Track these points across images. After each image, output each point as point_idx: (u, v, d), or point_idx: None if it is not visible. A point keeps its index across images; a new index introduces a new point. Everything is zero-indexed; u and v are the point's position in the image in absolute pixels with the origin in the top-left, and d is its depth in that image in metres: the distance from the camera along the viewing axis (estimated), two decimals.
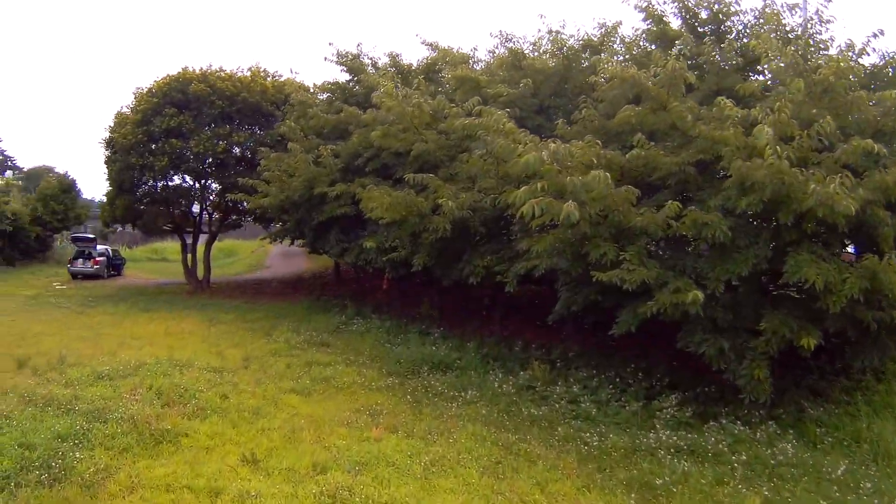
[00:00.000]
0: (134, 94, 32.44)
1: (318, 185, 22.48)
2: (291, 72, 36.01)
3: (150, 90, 31.80)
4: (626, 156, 13.11)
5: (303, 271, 44.12)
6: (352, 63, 27.07)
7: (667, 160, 13.30)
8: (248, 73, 32.47)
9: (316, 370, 16.93)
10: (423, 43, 30.44)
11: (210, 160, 30.97)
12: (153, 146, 30.53)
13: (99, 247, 44.05)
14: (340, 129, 24.23)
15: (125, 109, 32.88)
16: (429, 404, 14.33)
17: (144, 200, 33.13)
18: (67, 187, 49.25)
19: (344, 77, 27.96)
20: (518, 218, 12.48)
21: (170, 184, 32.59)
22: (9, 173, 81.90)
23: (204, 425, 12.37)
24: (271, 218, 29.75)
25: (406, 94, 18.44)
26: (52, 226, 48.06)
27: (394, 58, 26.51)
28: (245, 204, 28.59)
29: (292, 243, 32.21)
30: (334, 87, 27.78)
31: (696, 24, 17.73)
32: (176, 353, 18.33)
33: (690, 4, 17.69)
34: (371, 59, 27.73)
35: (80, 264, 41.61)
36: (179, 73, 31.53)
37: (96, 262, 41.67)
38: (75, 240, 44.23)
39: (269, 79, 32.71)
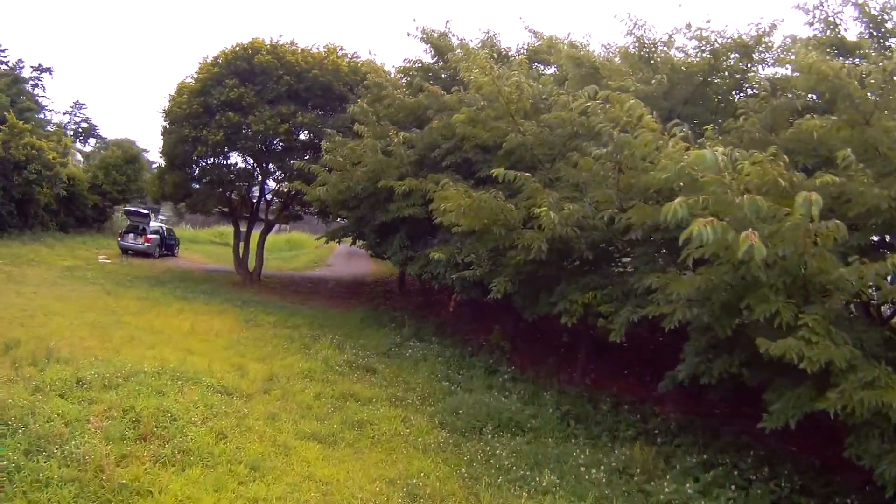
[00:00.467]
0: (199, 63, 29.47)
1: (384, 178, 18.79)
2: (370, 54, 31.59)
3: (214, 59, 28.78)
4: (817, 182, 8.93)
5: (365, 274, 40.88)
6: (438, 41, 23.38)
7: (875, 193, 9.13)
8: (323, 50, 29.11)
9: (351, 408, 13.21)
10: (526, 29, 26.38)
11: (271, 141, 27.66)
12: (210, 119, 27.42)
13: (153, 223, 41.47)
14: (418, 115, 20.53)
15: (189, 80, 29.95)
16: (490, 486, 10.34)
17: (196, 178, 30.06)
18: (132, 158, 47.21)
19: (428, 58, 24.31)
20: (654, 240, 8.52)
21: (223, 162, 29.45)
22: (92, 141, 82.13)
23: (177, 481, 8.72)
24: (331, 212, 26.32)
25: (502, 73, 14.55)
26: (112, 196, 46.20)
27: (489, 39, 22.69)
28: (305, 194, 24.96)
29: (354, 243, 28.66)
30: (415, 69, 24.04)
31: (880, 34, 14.27)
32: (188, 361, 15.10)
33: (874, 12, 14.13)
34: (460, 39, 24.01)
35: (130, 239, 39.34)
36: (249, 43, 28.36)
37: (147, 240, 39.18)
38: (129, 213, 41.85)
39: (345, 59, 29.27)
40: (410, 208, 18.61)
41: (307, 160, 26.03)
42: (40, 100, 71.11)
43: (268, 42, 28.53)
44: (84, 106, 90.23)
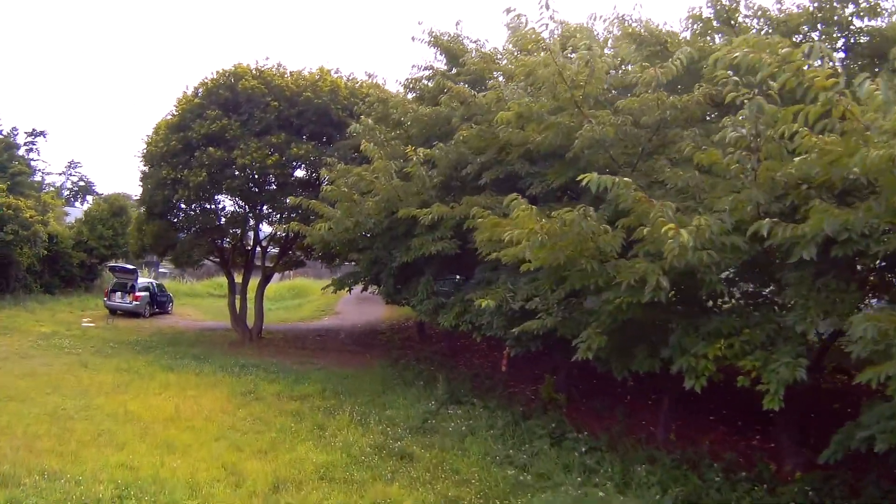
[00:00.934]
0: (178, 97, 25.85)
1: (403, 207, 15.01)
2: (368, 76, 27.40)
3: (194, 90, 25.21)
4: None
5: (378, 320, 36.93)
6: (450, 45, 19.70)
7: None
8: (315, 72, 25.44)
9: None
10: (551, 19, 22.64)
11: (260, 177, 23.96)
12: (190, 157, 23.72)
13: (142, 279, 37.67)
14: (438, 128, 16.71)
15: (170, 116, 26.35)
16: None
17: (180, 226, 26.28)
18: (119, 210, 43.73)
19: (440, 65, 20.60)
20: None
21: (209, 207, 25.71)
22: (89, 199, 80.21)
23: None
24: (338, 255, 22.55)
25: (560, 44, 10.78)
26: (99, 252, 42.91)
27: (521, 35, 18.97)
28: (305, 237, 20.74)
29: (366, 289, 24.74)
30: (426, 78, 20.24)
31: None
32: (166, 467, 11.49)
33: None
34: (474, 41, 20.38)
35: (117, 298, 35.68)
36: (231, 69, 24.76)
37: (136, 298, 35.41)
38: (114, 270, 38.12)
39: (341, 80, 25.62)
40: (439, 243, 14.81)
41: (304, 196, 22.43)
42: (35, 163, 71.29)
43: (253, 67, 24.95)
44: (79, 165, 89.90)
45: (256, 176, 23.90)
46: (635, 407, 16.20)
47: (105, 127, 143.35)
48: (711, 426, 14.69)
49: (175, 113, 25.03)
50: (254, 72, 24.57)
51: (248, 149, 22.49)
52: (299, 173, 25.79)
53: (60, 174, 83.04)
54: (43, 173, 74.43)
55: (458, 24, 22.16)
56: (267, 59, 26.44)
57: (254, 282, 29.68)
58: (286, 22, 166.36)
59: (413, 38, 20.25)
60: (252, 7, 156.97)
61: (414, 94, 21.33)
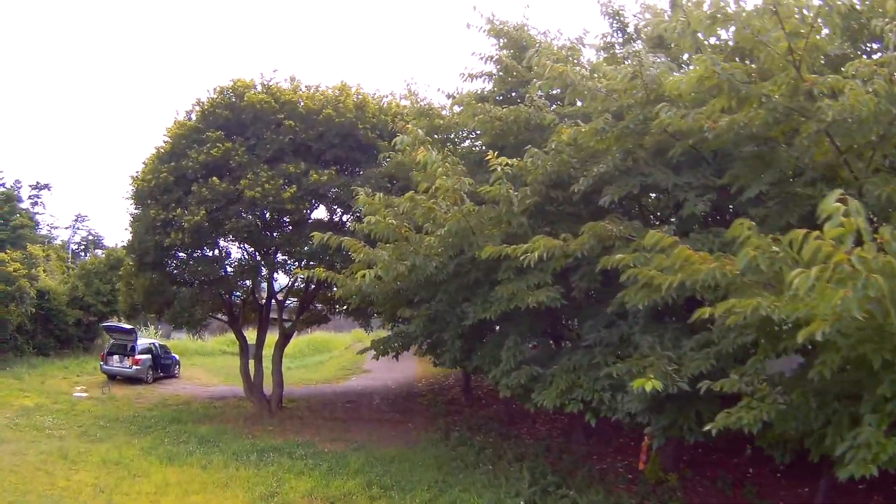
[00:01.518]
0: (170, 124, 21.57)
1: (478, 241, 10.55)
2: (396, 96, 21.92)
3: (187, 112, 21.02)
4: None
5: (414, 378, 32.48)
6: (515, 34, 15.31)
7: None
8: (334, 91, 21.01)
9: None
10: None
11: (273, 215, 19.68)
12: (185, 192, 19.44)
13: (142, 340, 33.13)
14: (515, 136, 12.28)
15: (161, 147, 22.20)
16: None
17: (176, 278, 21.76)
18: (116, 263, 39.29)
19: (504, 54, 16.03)
20: None
21: (210, 254, 21.28)
22: (99, 252, 77.58)
23: None
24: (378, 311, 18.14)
25: None
26: (97, 310, 38.43)
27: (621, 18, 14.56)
28: (335, 286, 15.33)
29: (427, 352, 19.61)
30: (486, 74, 15.58)
31: None
32: None
33: None
34: (542, 32, 15.93)
35: (115, 362, 31.08)
36: (232, 83, 20.49)
37: (136, 362, 30.81)
38: (109, 330, 33.60)
39: (367, 96, 21.23)
40: (539, 292, 10.23)
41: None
42: (41, 217, 69.05)
43: (258, 82, 20.64)
44: (87, 218, 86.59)
45: (268, 214, 19.42)
46: (762, 480, 13.55)
47: (111, 179, 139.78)
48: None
49: (166, 141, 20.71)
50: (259, 86, 20.30)
51: (257, 179, 18.04)
52: (318, 213, 21.55)
53: (67, 228, 78.65)
54: (50, 227, 71.85)
55: (526, 7, 17.46)
56: (275, 71, 21.66)
57: (269, 338, 25.21)
58: (288, 41, 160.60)
59: (468, 26, 15.75)
60: (256, 25, 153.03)
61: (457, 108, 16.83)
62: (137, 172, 21.69)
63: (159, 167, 19.62)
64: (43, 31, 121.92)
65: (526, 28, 15.56)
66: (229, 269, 21.39)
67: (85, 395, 26.84)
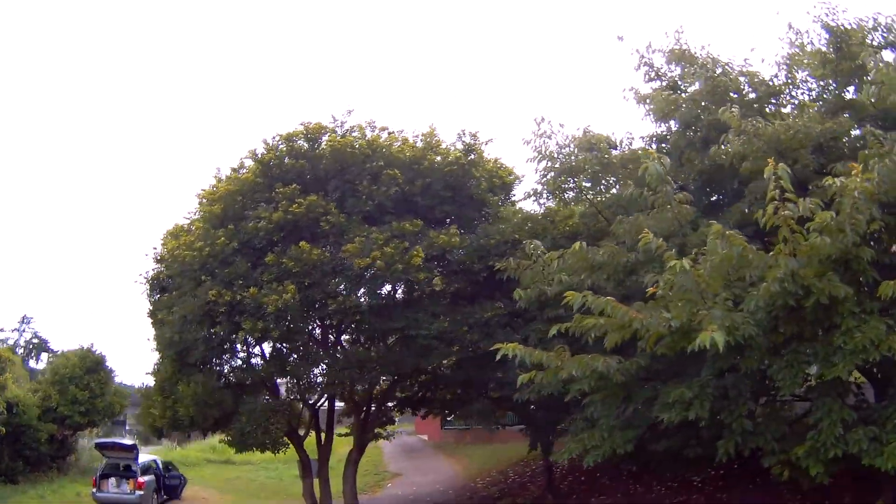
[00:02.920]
0: (215, 178, 17.09)
1: None
2: (536, 123, 16.11)
3: (240, 161, 16.64)
4: None
5: (460, 478, 27.71)
6: (683, 57, 11.74)
7: None
8: (417, 141, 16.79)
9: None
10: None
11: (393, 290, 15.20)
12: (254, 264, 14.88)
13: (142, 458, 27.38)
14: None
15: (185, 220, 17.76)
16: None
17: (233, 385, 16.68)
18: (94, 365, 33.92)
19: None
20: None
21: (286, 347, 16.26)
22: (44, 357, 72.82)
23: None
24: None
25: None
26: (73, 421, 32.35)
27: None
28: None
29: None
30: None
31: None
32: None
33: None
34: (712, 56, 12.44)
35: (111, 488, 25.37)
36: (304, 127, 16.21)
37: (140, 486, 25.17)
38: (102, 448, 27.70)
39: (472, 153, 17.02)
40: None
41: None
42: None
43: (329, 125, 16.37)
44: (31, 320, 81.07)
45: (387, 287, 14.84)
46: None
47: (56, 282, 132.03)
48: None
49: (214, 191, 16.21)
50: (339, 132, 16.05)
51: (368, 242, 13.44)
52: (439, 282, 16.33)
53: (13, 331, 74.14)
54: None
55: (678, 32, 13.64)
56: (349, 112, 16.44)
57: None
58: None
59: (619, 38, 12.41)
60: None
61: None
62: (158, 249, 17.14)
63: (211, 232, 15.00)
64: None
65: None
66: (323, 365, 16.03)
67: None
